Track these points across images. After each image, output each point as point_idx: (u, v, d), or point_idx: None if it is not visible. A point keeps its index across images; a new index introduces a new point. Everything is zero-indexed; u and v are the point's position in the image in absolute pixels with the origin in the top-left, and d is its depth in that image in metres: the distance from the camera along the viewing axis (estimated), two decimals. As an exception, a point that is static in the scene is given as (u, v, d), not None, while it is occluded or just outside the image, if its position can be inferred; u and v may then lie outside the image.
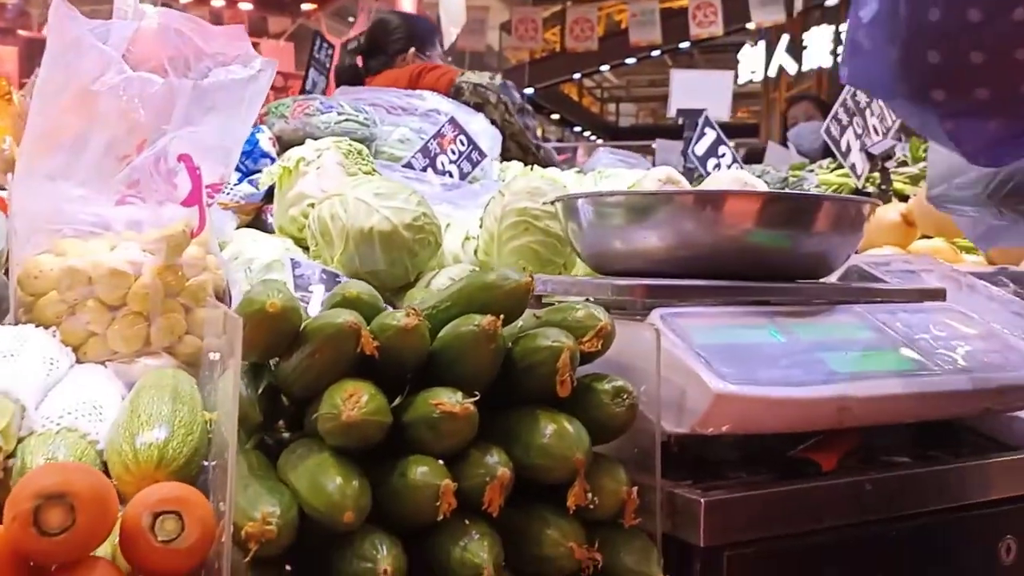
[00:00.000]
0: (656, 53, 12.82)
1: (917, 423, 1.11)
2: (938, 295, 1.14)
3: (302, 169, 1.47)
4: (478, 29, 10.36)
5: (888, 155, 1.95)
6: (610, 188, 1.74)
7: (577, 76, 16.28)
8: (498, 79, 2.47)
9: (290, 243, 1.44)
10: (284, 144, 1.90)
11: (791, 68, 10.30)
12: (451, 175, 1.97)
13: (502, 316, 0.82)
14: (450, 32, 5.23)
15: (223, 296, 1.21)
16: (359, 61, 3.07)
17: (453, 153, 1.99)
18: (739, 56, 10.84)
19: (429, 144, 1.94)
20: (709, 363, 0.86)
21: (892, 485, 0.92)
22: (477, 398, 0.79)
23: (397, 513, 0.77)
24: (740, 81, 10.75)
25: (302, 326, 0.82)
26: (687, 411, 0.85)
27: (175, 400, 0.88)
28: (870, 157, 1.90)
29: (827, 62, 9.78)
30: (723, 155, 2.25)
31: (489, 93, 2.41)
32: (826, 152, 2.46)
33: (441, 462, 0.78)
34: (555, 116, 20.65)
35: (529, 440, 0.81)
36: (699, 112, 2.49)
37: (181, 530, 0.69)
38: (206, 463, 0.84)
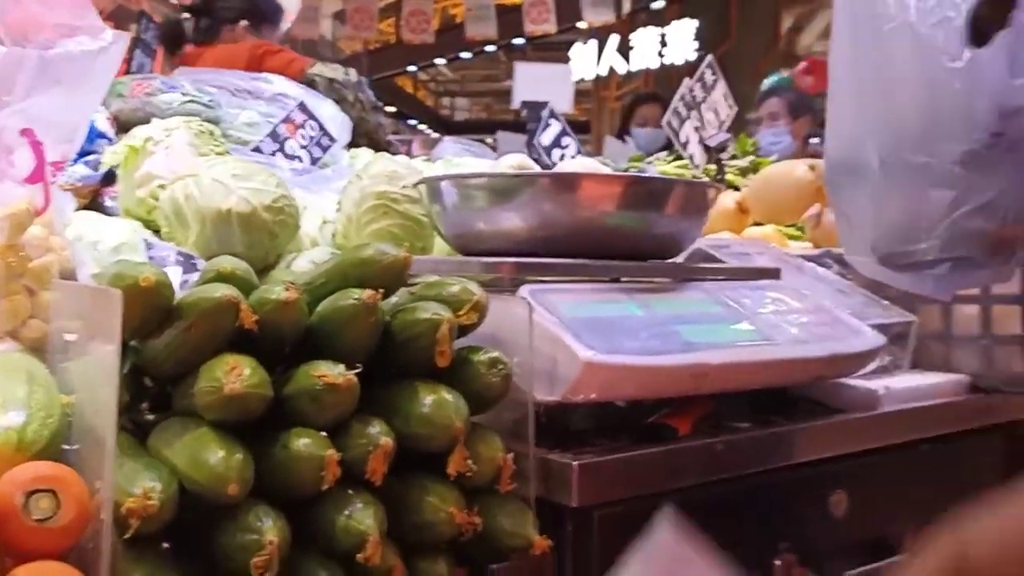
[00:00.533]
0: (491, 48, 12.98)
1: (755, 392, 1.21)
2: (774, 274, 1.24)
3: (150, 149, 1.42)
4: (311, 17, 10.15)
5: (722, 147, 2.09)
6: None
7: (413, 69, 16.21)
8: (353, 75, 2.45)
9: (138, 225, 1.38)
10: (122, 124, 1.82)
11: (621, 68, 10.67)
12: (301, 160, 1.94)
13: (381, 290, 0.83)
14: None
15: (70, 279, 1.15)
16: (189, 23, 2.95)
17: (303, 138, 1.96)
18: (571, 54, 11.13)
19: (278, 128, 1.91)
20: (577, 334, 0.91)
21: (740, 446, 1.00)
22: (359, 370, 0.80)
23: (280, 486, 0.77)
24: (572, 79, 11.02)
25: (175, 301, 0.81)
26: (558, 380, 0.89)
27: (30, 383, 0.84)
28: (707, 149, 2.03)
29: (654, 63, 10.19)
30: (567, 146, 2.32)
31: (346, 91, 2.38)
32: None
33: (324, 434, 0.79)
34: (390, 108, 20.47)
35: (409, 411, 0.82)
36: (542, 104, 2.56)
37: (56, 509, 0.67)
38: (67, 447, 0.81)
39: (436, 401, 0.82)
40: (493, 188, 1.14)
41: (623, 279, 1.08)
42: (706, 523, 0.95)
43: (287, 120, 1.94)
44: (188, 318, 0.79)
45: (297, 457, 0.76)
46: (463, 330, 0.89)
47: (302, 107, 1.96)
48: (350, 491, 0.79)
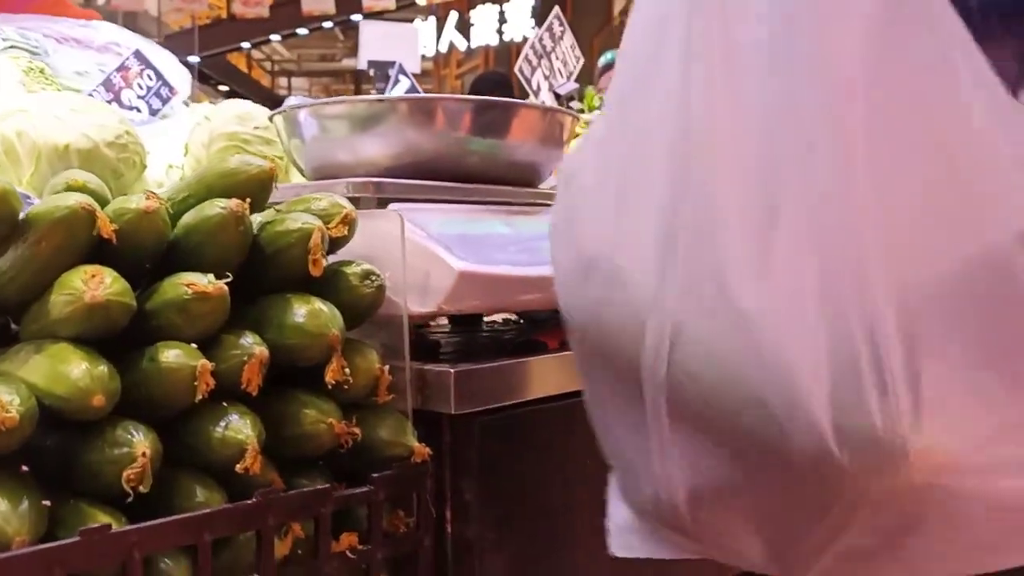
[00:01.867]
0: (328, 25, 12.70)
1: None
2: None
3: (-27, 86, 1.31)
4: (136, -11, 9.65)
5: (571, 96, 2.13)
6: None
7: (247, 46, 15.65)
8: None
9: (-36, 168, 1.28)
10: (-65, 70, 1.67)
11: (461, 45, 10.69)
12: (139, 111, 1.85)
13: (248, 200, 0.81)
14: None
15: None
16: None
17: (140, 88, 1.86)
18: (410, 30, 11.05)
19: (112, 77, 1.80)
20: (449, 247, 0.91)
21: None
22: (229, 279, 0.77)
23: (149, 401, 0.74)
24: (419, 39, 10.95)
25: (22, 215, 0.76)
26: (432, 291, 0.89)
27: None
28: (557, 97, 2.07)
29: (494, 40, 10.27)
30: (417, 102, 2.31)
31: None
32: None
33: (194, 345, 0.76)
34: (223, 88, 19.70)
35: (283, 321, 0.81)
36: (390, 63, 2.53)
37: (-99, 426, 0.62)
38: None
39: (310, 311, 0.81)
40: (353, 115, 1.12)
41: (485, 202, 1.09)
42: (579, 434, 0.99)
43: (122, 68, 1.83)
44: (38, 231, 0.74)
45: (167, 369, 0.73)
46: (334, 244, 0.87)
47: (138, 55, 1.86)
48: (225, 404, 0.76)
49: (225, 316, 0.78)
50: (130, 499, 0.69)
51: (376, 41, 2.70)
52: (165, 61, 2.02)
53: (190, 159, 1.41)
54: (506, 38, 10.00)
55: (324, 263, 0.82)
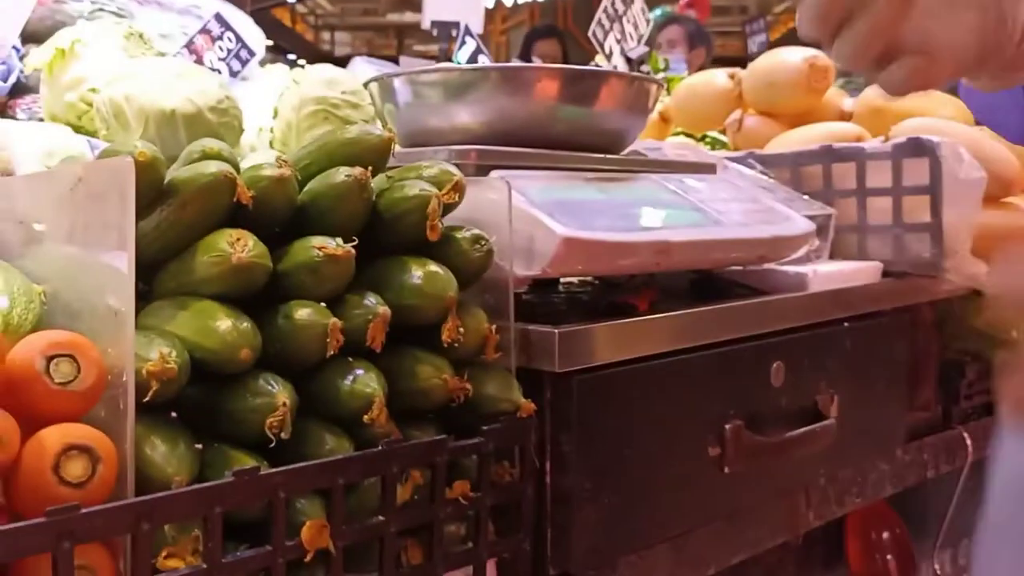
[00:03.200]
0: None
1: (693, 280, 1.29)
2: (710, 169, 1.31)
3: (78, 51, 1.37)
4: (184, -57, 9.66)
5: (642, 60, 2.15)
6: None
7: (290, 0, 15.65)
8: None
9: (69, 131, 1.35)
10: (30, 34, 1.73)
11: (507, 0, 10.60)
12: (220, 73, 1.90)
13: (370, 167, 0.86)
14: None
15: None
16: None
17: (221, 50, 1.92)
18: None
19: (195, 40, 1.86)
20: (551, 214, 0.95)
21: (692, 320, 1.07)
22: (355, 242, 0.82)
23: (284, 355, 0.80)
24: None
25: (166, 180, 0.81)
26: (536, 256, 0.93)
27: (5, 272, 0.83)
28: (628, 61, 2.09)
29: (540, -5, 10.16)
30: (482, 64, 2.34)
31: None
32: None
33: (323, 304, 0.81)
34: (268, 43, 19.69)
35: (402, 283, 0.86)
36: (454, 24, 2.55)
37: (77, 372, 0.68)
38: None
39: (427, 274, 0.86)
40: (447, 83, 1.16)
41: (580, 168, 1.12)
42: (667, 389, 1.04)
43: (204, 31, 1.89)
44: (182, 195, 0.79)
45: (301, 326, 0.79)
46: (445, 209, 0.92)
47: (219, 18, 1.91)
48: (350, 359, 0.82)
49: (350, 278, 0.83)
50: (272, 444, 0.75)
51: (440, 1, 2.72)
52: (242, 23, 2.07)
53: (280, 122, 1.46)
54: (551, -6, 9.90)
55: (441, 228, 0.87)
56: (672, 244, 1.01)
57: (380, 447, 0.80)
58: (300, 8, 20.21)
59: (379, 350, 0.82)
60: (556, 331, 0.92)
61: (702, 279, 1.28)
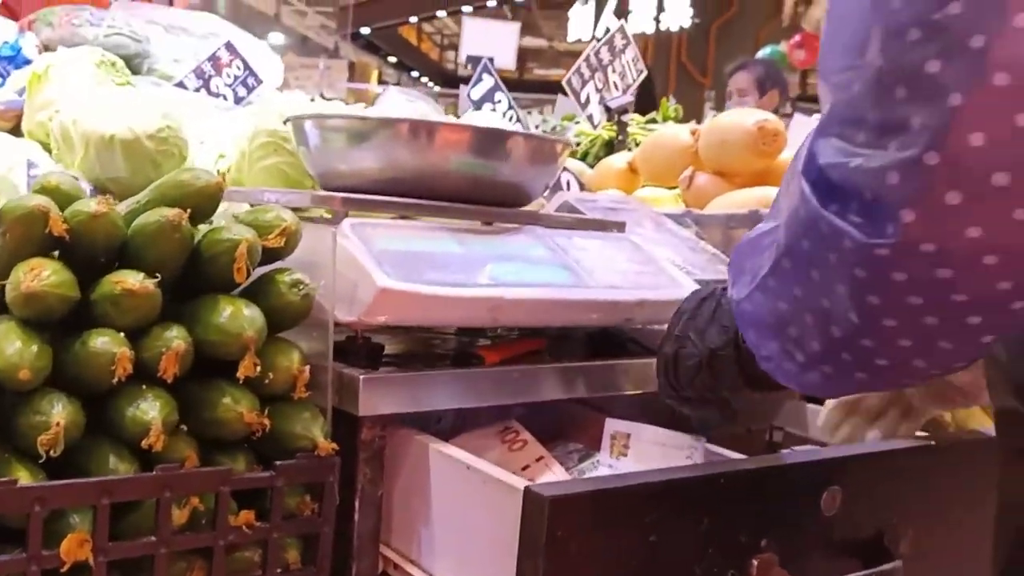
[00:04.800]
0: (493, 3, 12.91)
1: (591, 334, 1.30)
2: (617, 227, 1.32)
3: (51, 75, 1.50)
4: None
5: (624, 110, 2.16)
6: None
7: (414, 20, 16.13)
8: None
9: (36, 147, 1.47)
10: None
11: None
12: (226, 98, 2.02)
13: (189, 210, 0.92)
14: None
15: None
16: None
17: (228, 77, 2.04)
18: (570, 14, 11.10)
19: (203, 65, 1.98)
20: (380, 263, 0.99)
21: (534, 375, 1.09)
22: (158, 279, 0.89)
23: (78, 378, 0.87)
24: (570, 39, 11.02)
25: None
26: (357, 303, 0.98)
27: None
28: (607, 110, 2.11)
29: (650, 28, 10.18)
30: (499, 101, 2.39)
31: None
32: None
33: (123, 335, 0.88)
34: (392, 59, 20.35)
35: (208, 320, 0.92)
36: (488, 59, 2.62)
37: None
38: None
39: (232, 312, 0.91)
40: (349, 130, 1.22)
41: (455, 219, 1.16)
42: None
43: (213, 58, 2.01)
44: (4, 224, 0.88)
45: (93, 353, 0.85)
46: (274, 253, 0.98)
47: (229, 46, 2.03)
48: (144, 387, 0.88)
49: (153, 312, 0.89)
50: (42, 460, 0.82)
51: (477, 37, 2.80)
52: (257, 52, 2.19)
53: (236, 151, 1.55)
54: (662, 27, 9.90)
55: (248, 271, 0.92)
56: (504, 301, 1.03)
57: (155, 472, 0.86)
58: (427, 27, 20.79)
59: (170, 380, 0.88)
60: (361, 376, 0.96)
61: (599, 335, 1.29)
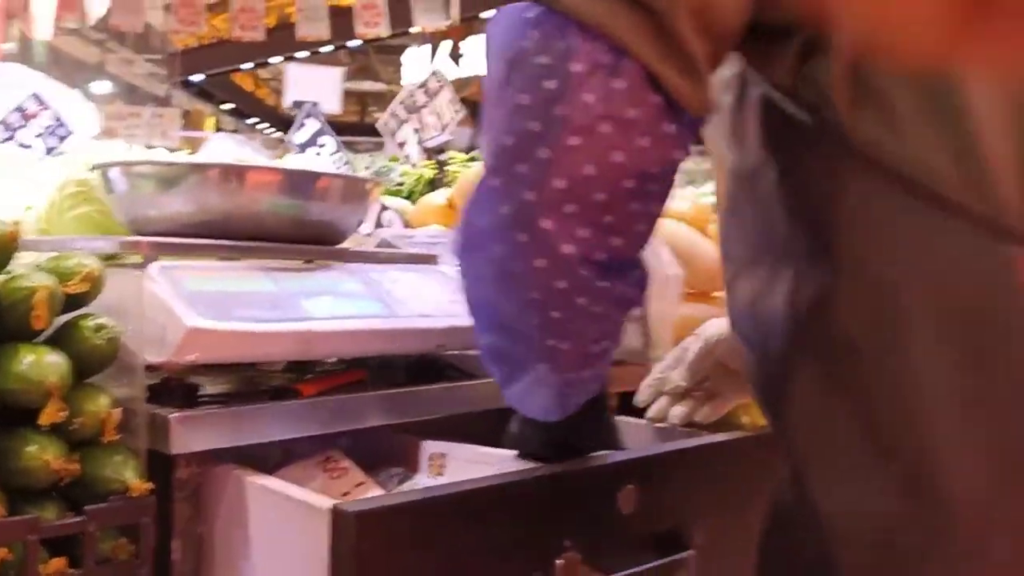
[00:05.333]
0: (327, 49, 12.88)
1: (412, 362, 1.35)
2: (429, 260, 1.39)
3: None
4: (135, 8, 9.84)
5: (441, 149, 2.26)
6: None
7: (248, 66, 15.86)
8: None
9: None
10: None
11: (452, 73, 10.84)
12: (36, 149, 1.98)
13: (-16, 261, 0.92)
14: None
15: None
16: None
17: (38, 127, 2.00)
18: (402, 59, 11.22)
19: (9, 118, 1.94)
20: (191, 304, 1.02)
21: (351, 403, 1.13)
22: (-49, 330, 0.88)
23: None
24: (403, 82, 11.12)
25: None
26: (167, 344, 1.00)
27: None
28: (425, 150, 2.19)
29: (484, 70, 10.40)
30: (323, 145, 2.44)
31: None
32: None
33: (-83, 388, 0.87)
34: (228, 106, 19.92)
35: (9, 368, 0.91)
36: (312, 104, 2.66)
37: None
38: None
39: (35, 360, 0.91)
40: (157, 175, 1.23)
41: (269, 259, 1.19)
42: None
43: (19, 109, 1.97)
44: None
45: None
46: (78, 299, 0.98)
47: (36, 97, 2.00)
48: (-60, 440, 0.87)
49: (-55, 363, 0.88)
50: None
51: (302, 82, 2.83)
52: (69, 102, 2.16)
53: (47, 201, 1.52)
54: (495, 69, 10.14)
55: (47, 319, 0.93)
56: (315, 334, 1.07)
57: (-46, 524, 0.85)
58: (263, 73, 20.46)
59: (-35, 432, 0.87)
60: (171, 415, 0.98)
61: (417, 363, 1.35)
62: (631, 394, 1.47)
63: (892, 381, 0.74)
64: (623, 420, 1.42)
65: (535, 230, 0.76)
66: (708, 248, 1.50)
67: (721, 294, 1.53)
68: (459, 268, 0.88)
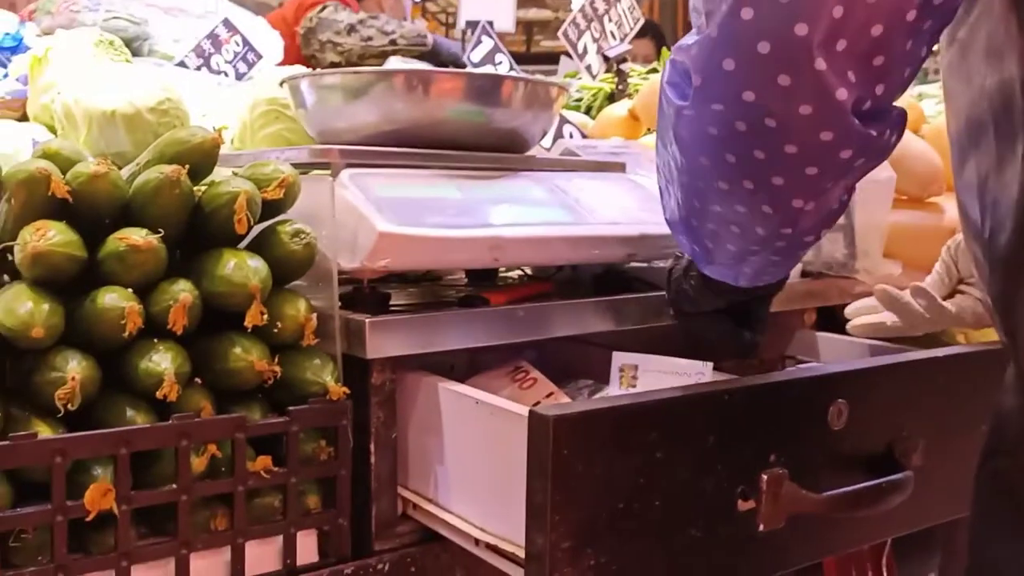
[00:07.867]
0: (494, -23, 12.79)
1: (600, 274, 1.30)
2: (617, 167, 1.33)
3: (51, 58, 1.51)
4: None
5: (623, 59, 2.15)
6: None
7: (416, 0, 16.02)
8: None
9: (42, 129, 1.49)
10: (52, 41, 1.91)
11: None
12: (227, 75, 2.03)
13: (187, 166, 0.94)
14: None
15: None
16: None
17: (228, 54, 2.05)
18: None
19: (203, 44, 1.99)
20: (380, 210, 1.01)
21: (539, 312, 1.10)
22: (161, 234, 0.90)
23: (91, 336, 0.89)
24: (574, 7, 10.90)
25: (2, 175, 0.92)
26: (358, 249, 0.99)
27: None
28: (606, 59, 2.10)
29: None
30: (500, 63, 2.39)
31: None
32: None
33: (131, 290, 0.90)
34: (398, 41, 20.23)
35: (214, 272, 0.93)
36: (488, 22, 2.61)
37: None
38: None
39: (237, 264, 0.93)
40: (344, 87, 1.23)
41: (454, 166, 1.17)
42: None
43: (211, 36, 2.02)
44: (8, 188, 0.90)
45: (101, 310, 0.87)
46: (275, 205, 0.99)
47: (227, 23, 2.04)
48: (156, 341, 0.90)
49: (159, 267, 0.91)
50: (60, 415, 0.84)
51: (473, 2, 2.79)
52: (256, 29, 2.20)
53: (237, 122, 1.56)
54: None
55: (249, 222, 0.94)
56: (505, 240, 1.04)
57: (170, 421, 0.88)
58: (431, 6, 20.67)
59: (179, 332, 0.90)
60: (367, 320, 0.97)
61: (605, 275, 1.30)
62: (830, 310, 1.37)
63: None
64: (825, 336, 1.33)
65: (805, 71, 0.66)
66: (922, 148, 1.36)
67: (937, 200, 1.39)
68: (675, 129, 0.78)
